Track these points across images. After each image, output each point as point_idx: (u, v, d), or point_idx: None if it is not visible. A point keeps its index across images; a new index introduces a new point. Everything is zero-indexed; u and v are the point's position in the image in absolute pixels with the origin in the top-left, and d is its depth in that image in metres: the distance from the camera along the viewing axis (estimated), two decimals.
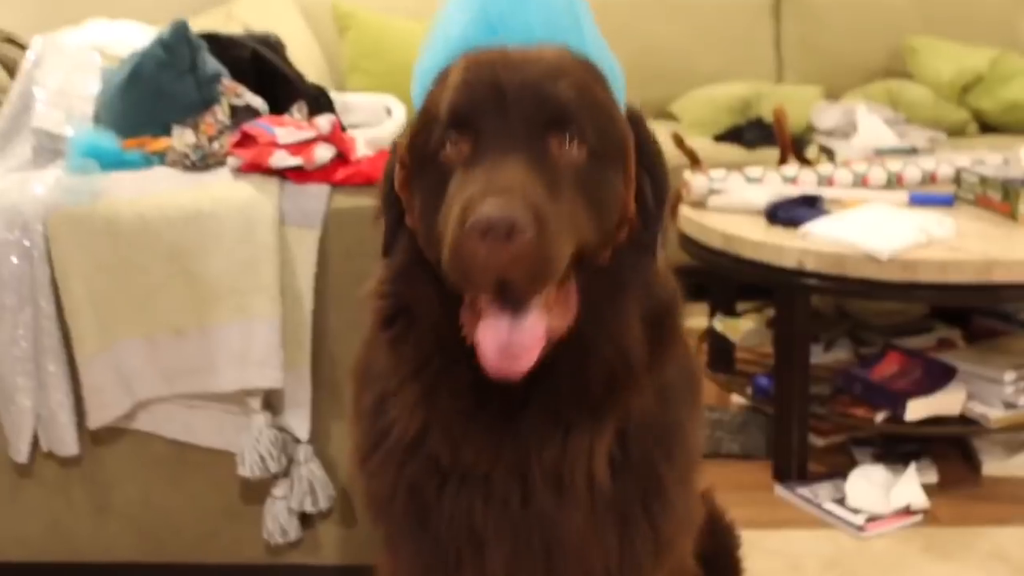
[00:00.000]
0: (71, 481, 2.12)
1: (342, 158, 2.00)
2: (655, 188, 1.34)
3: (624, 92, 1.31)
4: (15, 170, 2.09)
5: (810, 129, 3.99)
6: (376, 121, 2.78)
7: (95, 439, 2.08)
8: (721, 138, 4.07)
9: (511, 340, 1.18)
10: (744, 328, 3.29)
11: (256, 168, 1.95)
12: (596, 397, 1.29)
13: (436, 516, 1.36)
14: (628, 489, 1.37)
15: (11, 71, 2.19)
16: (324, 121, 2.01)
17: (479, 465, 1.31)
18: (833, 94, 4.37)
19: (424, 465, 1.35)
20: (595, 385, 1.29)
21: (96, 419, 2.01)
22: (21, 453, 2.05)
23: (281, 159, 1.94)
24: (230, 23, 3.68)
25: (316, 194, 1.96)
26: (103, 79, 2.27)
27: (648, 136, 1.33)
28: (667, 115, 4.36)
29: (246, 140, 1.98)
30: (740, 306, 3.41)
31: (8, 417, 2.03)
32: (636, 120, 1.32)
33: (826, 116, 4.07)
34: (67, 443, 2.04)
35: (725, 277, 3.29)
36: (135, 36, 2.80)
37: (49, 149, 2.14)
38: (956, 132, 4.07)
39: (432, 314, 1.27)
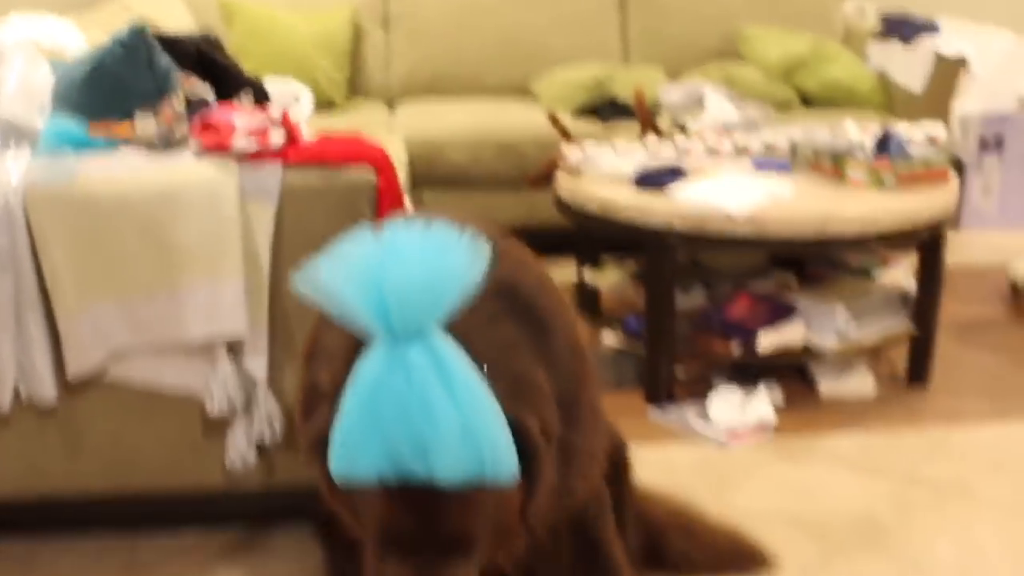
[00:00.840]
0: (47, 427, 2.30)
1: (291, 141, 2.26)
2: (532, 487, 1.51)
3: (512, 463, 1.44)
4: None
5: (657, 105, 4.37)
6: (287, 105, 3.02)
7: (70, 389, 2.27)
8: (578, 114, 4.40)
9: None
10: (610, 278, 3.66)
11: (218, 150, 2.20)
12: None
13: None
14: None
15: None
16: (275, 109, 2.27)
17: None
18: (674, 74, 4.74)
19: None
20: None
21: (74, 370, 2.21)
22: (3, 403, 2.23)
23: (240, 143, 2.19)
24: (126, 15, 3.84)
25: (271, 173, 2.21)
26: (57, 71, 2.46)
27: (529, 444, 1.48)
28: (528, 92, 4.70)
29: (206, 126, 2.23)
30: (604, 260, 3.77)
31: None
32: (522, 436, 1.47)
33: (672, 93, 4.46)
34: (46, 393, 2.23)
35: (591, 235, 3.65)
36: (59, 31, 3.00)
37: (14, 136, 2.31)
38: (783, 107, 4.47)
39: None
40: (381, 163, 2.30)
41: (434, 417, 1.36)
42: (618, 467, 2.15)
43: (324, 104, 4.30)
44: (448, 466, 1.37)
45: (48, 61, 2.51)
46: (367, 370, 1.39)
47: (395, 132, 4.19)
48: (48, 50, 2.72)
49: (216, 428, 2.33)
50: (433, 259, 1.40)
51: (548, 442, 1.52)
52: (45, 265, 2.15)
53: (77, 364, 2.21)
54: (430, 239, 1.42)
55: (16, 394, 2.24)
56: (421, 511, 1.41)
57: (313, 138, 2.34)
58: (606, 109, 4.37)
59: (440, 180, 4.20)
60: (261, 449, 2.35)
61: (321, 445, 1.48)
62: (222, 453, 2.34)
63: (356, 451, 1.40)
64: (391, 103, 4.79)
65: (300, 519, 2.42)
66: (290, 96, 3.12)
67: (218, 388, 2.24)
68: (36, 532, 2.50)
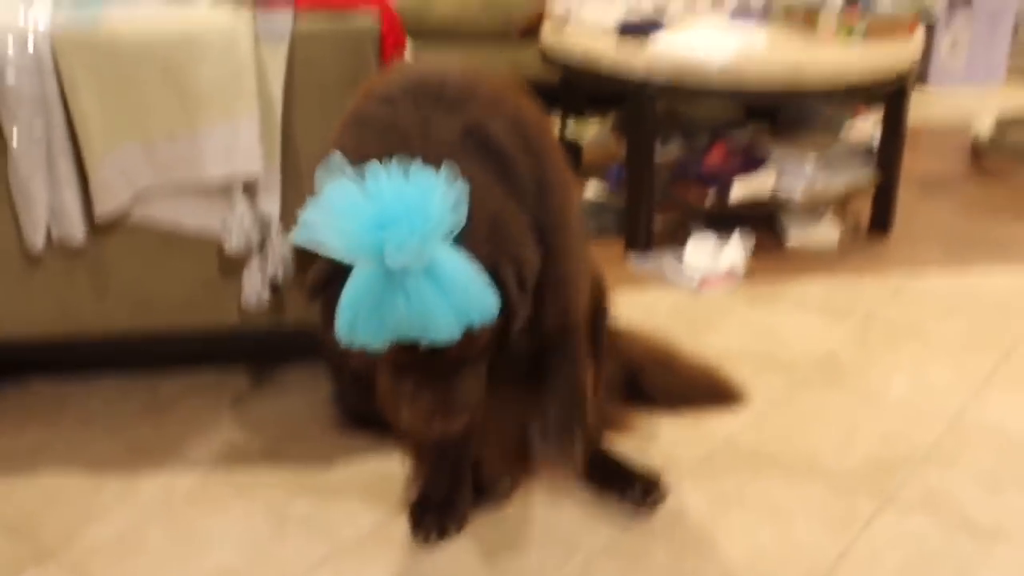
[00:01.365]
0: (75, 267, 2.42)
1: None
2: (509, 321, 1.70)
3: (494, 308, 1.63)
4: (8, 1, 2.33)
5: None
6: None
7: (97, 230, 2.38)
8: None
9: None
10: (592, 131, 3.79)
11: None
12: None
13: None
14: None
15: None
16: None
17: None
18: None
19: None
20: None
21: (101, 210, 2.32)
22: (37, 244, 2.35)
23: None
24: None
25: (283, 17, 2.30)
26: None
27: (506, 291, 1.66)
28: None
29: None
30: (588, 112, 3.90)
31: (27, 213, 2.31)
32: (500, 284, 1.65)
33: None
34: (75, 233, 2.35)
35: (575, 87, 3.76)
36: None
37: None
38: None
39: None
40: (384, 9, 2.39)
41: (432, 319, 1.56)
42: (597, 303, 2.30)
43: None
44: (444, 337, 1.59)
45: None
46: (365, 284, 1.54)
47: None
48: None
49: (232, 268, 2.46)
50: (420, 197, 1.55)
51: (523, 285, 1.70)
52: (73, 109, 2.25)
53: (104, 205, 2.32)
54: (415, 181, 1.56)
55: (48, 235, 2.36)
56: (424, 354, 1.64)
57: None
58: None
59: (428, 34, 4.25)
60: (274, 288, 2.48)
61: (322, 290, 1.65)
62: (237, 292, 2.47)
63: (361, 335, 1.58)
64: None
65: (309, 356, 2.60)
66: None
67: (236, 227, 2.36)
68: (64, 372, 2.66)
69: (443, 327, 1.57)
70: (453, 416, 1.70)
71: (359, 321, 1.56)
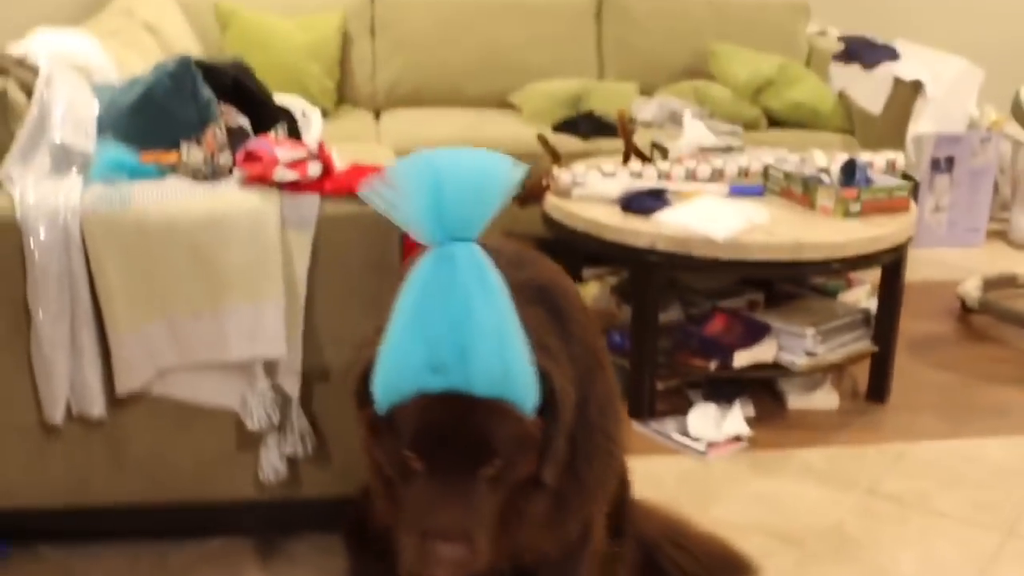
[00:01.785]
0: (92, 439, 2.43)
1: (327, 172, 2.41)
2: (553, 436, 1.69)
3: (535, 398, 1.65)
4: (41, 181, 2.37)
5: (632, 120, 4.54)
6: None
7: (116, 403, 2.40)
8: (558, 128, 4.57)
9: None
10: (591, 292, 3.84)
11: (260, 181, 2.34)
12: None
13: None
14: None
15: (27, 92, 2.46)
16: (311, 141, 2.42)
17: None
18: (647, 90, 4.94)
19: None
20: None
21: (123, 387, 2.34)
22: (55, 418, 2.36)
23: (283, 174, 2.33)
24: (133, 24, 3.93)
25: (309, 203, 2.35)
26: (101, 97, 2.57)
27: (552, 388, 1.67)
28: (509, 105, 4.87)
29: (250, 157, 2.37)
30: (585, 272, 3.95)
31: (48, 387, 2.33)
32: (547, 380, 1.67)
33: (645, 109, 4.67)
34: (95, 408, 2.36)
35: (576, 250, 3.82)
36: (84, 47, 3.08)
37: (63, 161, 2.40)
38: (751, 126, 4.67)
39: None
40: None
41: (472, 313, 1.55)
42: (621, 484, 2.33)
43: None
44: (480, 370, 1.56)
45: (90, 85, 2.62)
46: (418, 272, 1.60)
47: (382, 141, 4.32)
48: (79, 67, 2.80)
49: (249, 442, 2.47)
50: (479, 170, 1.61)
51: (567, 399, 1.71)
52: (100, 286, 2.28)
53: (126, 381, 2.34)
54: (477, 154, 1.63)
55: (67, 409, 2.37)
56: (454, 413, 1.59)
57: (345, 168, 2.48)
58: (584, 122, 4.55)
59: None
60: (291, 462, 2.49)
61: (365, 381, 1.67)
62: (253, 465, 2.48)
63: (401, 356, 1.59)
64: (377, 112, 4.91)
65: (324, 529, 2.58)
66: (298, 111, 3.23)
67: (256, 405, 2.38)
68: (72, 539, 2.63)
69: (483, 349, 1.56)
70: (468, 544, 1.59)
71: (402, 331, 1.58)
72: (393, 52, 4.93)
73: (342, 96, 4.89)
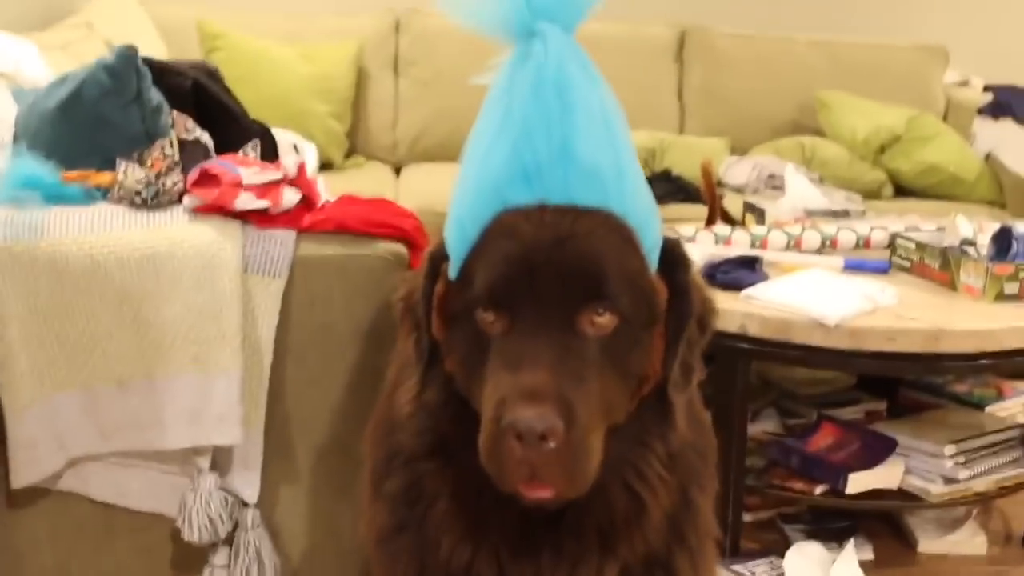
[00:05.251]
0: None
1: (307, 202, 2.21)
2: (679, 326, 1.58)
3: (658, 236, 1.56)
4: None
5: (720, 184, 4.36)
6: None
7: (11, 501, 2.20)
8: None
9: None
10: None
11: (218, 209, 2.14)
12: (606, 538, 1.60)
13: None
14: None
15: None
16: (290, 162, 2.22)
17: None
18: (739, 148, 4.80)
19: None
20: (605, 527, 1.59)
21: (21, 478, 2.13)
22: None
23: (247, 201, 2.13)
24: (91, 37, 3.85)
25: (282, 240, 2.17)
26: (22, 100, 2.41)
27: (684, 270, 1.59)
28: None
29: (206, 179, 2.17)
30: None
31: None
32: (674, 257, 1.58)
33: (736, 171, 4.49)
34: None
35: None
36: (17, 52, 2.97)
37: None
38: (871, 194, 4.50)
39: (473, 451, 1.49)
40: (414, 235, 2.29)
41: (573, 102, 1.47)
42: None
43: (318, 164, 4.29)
44: (584, 168, 1.46)
45: (8, 88, 2.47)
46: (501, 75, 1.53)
47: (403, 201, 4.16)
48: (5, 75, 2.69)
49: (191, 561, 2.28)
50: None
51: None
52: None
53: (25, 472, 2.14)
54: None
55: None
56: (548, 232, 1.46)
57: (333, 200, 2.30)
58: (660, 185, 4.37)
59: None
60: None
61: (437, 257, 1.60)
62: None
63: (481, 172, 1.50)
64: (397, 167, 4.82)
65: None
66: (288, 146, 3.08)
67: (199, 510, 2.17)
68: None
69: (590, 148, 1.46)
70: (560, 409, 1.40)
71: (479, 153, 1.51)
72: (421, 93, 4.84)
73: (354, 145, 4.79)
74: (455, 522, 1.61)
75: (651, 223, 1.54)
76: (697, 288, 1.62)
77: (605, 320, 1.47)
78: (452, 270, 1.54)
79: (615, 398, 1.50)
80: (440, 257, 1.58)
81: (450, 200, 1.56)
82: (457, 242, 1.52)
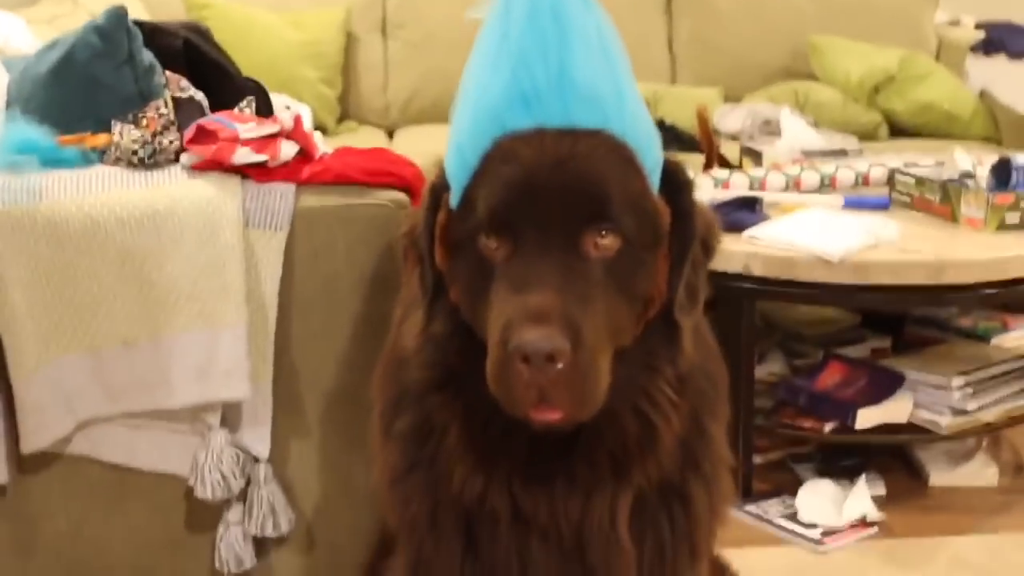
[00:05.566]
0: None
1: (305, 155, 2.19)
2: (683, 248, 1.57)
3: (659, 158, 1.55)
4: None
5: (716, 132, 4.35)
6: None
7: (23, 466, 2.19)
8: None
9: None
10: None
11: (216, 165, 2.12)
12: (619, 464, 1.60)
13: (489, 550, 1.65)
14: (648, 545, 1.68)
15: None
16: (286, 116, 2.20)
17: (537, 517, 1.62)
18: (732, 96, 4.79)
19: (481, 513, 1.64)
20: (618, 453, 1.59)
21: (31, 443, 2.12)
22: None
23: (245, 155, 2.11)
24: (76, 10, 3.83)
25: (282, 193, 2.15)
26: (13, 69, 2.40)
27: (686, 192, 1.58)
28: None
29: (202, 135, 2.15)
30: None
31: None
32: (676, 180, 1.58)
33: (730, 118, 4.48)
34: None
35: None
36: (5, 24, 2.96)
37: None
38: (867, 136, 4.50)
39: (481, 381, 1.49)
40: (414, 183, 2.27)
41: (570, 26, 1.47)
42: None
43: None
44: (583, 89, 1.46)
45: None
46: (496, 2, 1.51)
47: None
48: None
49: (203, 521, 2.26)
50: None
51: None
52: None
53: (35, 436, 2.12)
54: None
55: None
56: (548, 154, 1.46)
57: (331, 152, 2.28)
58: None
59: None
60: (260, 546, 2.27)
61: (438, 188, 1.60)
62: (209, 550, 2.26)
63: (479, 98, 1.50)
64: (390, 130, 4.81)
65: None
66: (281, 107, 3.07)
67: (211, 466, 2.16)
68: None
69: (587, 71, 1.46)
70: (566, 330, 1.40)
71: (475, 80, 1.51)
72: (410, 56, 4.83)
73: (346, 110, 4.80)
74: (466, 453, 1.61)
75: (651, 144, 1.54)
76: (700, 210, 1.61)
77: (608, 241, 1.47)
78: (453, 199, 1.54)
79: (621, 320, 1.50)
80: (441, 188, 1.58)
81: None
82: (457, 170, 1.52)
